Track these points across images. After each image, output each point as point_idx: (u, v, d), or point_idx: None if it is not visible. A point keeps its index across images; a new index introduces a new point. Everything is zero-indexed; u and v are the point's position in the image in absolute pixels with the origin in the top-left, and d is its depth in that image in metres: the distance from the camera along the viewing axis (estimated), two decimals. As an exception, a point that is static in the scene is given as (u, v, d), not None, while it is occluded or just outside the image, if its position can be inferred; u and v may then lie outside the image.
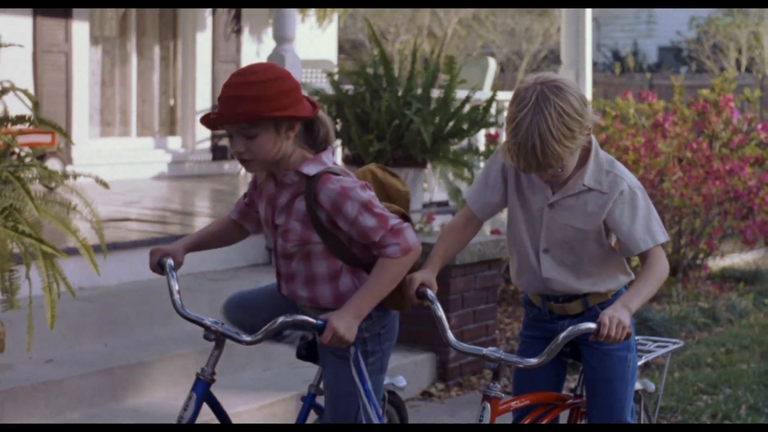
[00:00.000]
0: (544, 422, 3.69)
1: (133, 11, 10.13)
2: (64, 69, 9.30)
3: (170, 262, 3.55)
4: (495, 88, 8.32)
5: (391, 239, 3.39)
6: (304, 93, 7.14)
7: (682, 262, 9.35)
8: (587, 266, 3.60)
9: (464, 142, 6.92)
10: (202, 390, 3.43)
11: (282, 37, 7.17)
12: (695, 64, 34.58)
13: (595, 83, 10.38)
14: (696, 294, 8.74)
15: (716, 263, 10.07)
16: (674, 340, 4.28)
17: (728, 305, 8.33)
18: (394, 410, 4.15)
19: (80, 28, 9.43)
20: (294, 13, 7.16)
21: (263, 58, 11.06)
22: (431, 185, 7.81)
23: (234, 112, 3.31)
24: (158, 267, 3.58)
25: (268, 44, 11.13)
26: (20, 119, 4.20)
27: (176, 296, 3.45)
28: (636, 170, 8.84)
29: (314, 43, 11.43)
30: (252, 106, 3.30)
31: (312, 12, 10.99)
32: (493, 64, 9.09)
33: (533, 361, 3.33)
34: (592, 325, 3.28)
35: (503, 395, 3.41)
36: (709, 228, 9.07)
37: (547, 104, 3.26)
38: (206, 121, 3.44)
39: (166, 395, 5.39)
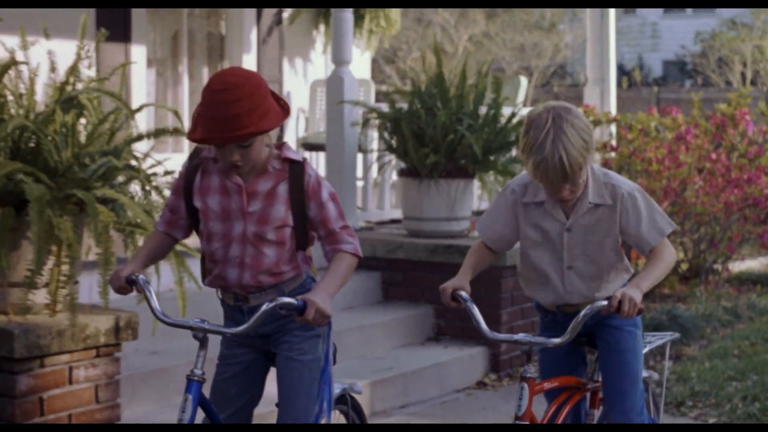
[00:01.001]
0: (570, 405, 4.04)
1: (184, 35, 10.78)
2: (125, 90, 9.92)
3: (143, 276, 3.61)
4: (527, 104, 8.97)
5: (349, 237, 3.69)
6: (361, 110, 7.74)
7: (703, 266, 9.98)
8: (606, 274, 3.94)
9: (510, 154, 7.55)
10: (197, 390, 3.53)
11: (341, 61, 7.83)
12: (701, 78, 35.17)
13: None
14: (717, 295, 9.37)
15: (734, 267, 10.69)
16: (671, 333, 4.64)
17: (749, 304, 8.96)
18: (355, 414, 4.32)
19: (138, 51, 10.06)
20: (351, 38, 7.81)
21: (303, 79, 11.75)
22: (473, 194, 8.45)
23: (235, 135, 3.45)
24: (127, 285, 3.63)
25: (307, 66, 11.79)
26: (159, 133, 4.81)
27: (156, 305, 3.54)
28: (660, 180, 9.47)
29: (357, 63, 12.08)
30: (247, 122, 3.44)
31: (361, 35, 11.60)
32: (524, 83, 9.73)
33: (557, 340, 3.67)
34: (603, 303, 3.62)
35: (537, 375, 3.80)
36: (729, 233, 9.70)
37: (563, 123, 3.64)
38: (196, 140, 3.56)
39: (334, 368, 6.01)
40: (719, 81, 33.25)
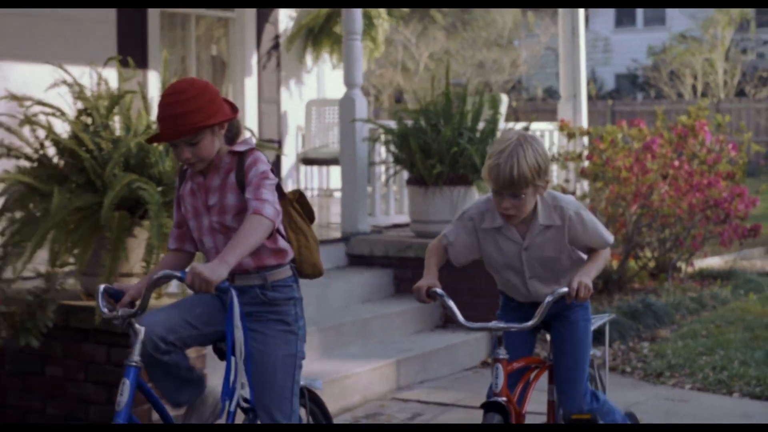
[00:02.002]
0: (536, 381, 4.58)
1: (192, 60, 11.74)
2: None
3: (101, 288, 3.99)
4: (508, 119, 10.02)
5: (254, 201, 3.92)
6: (369, 126, 8.67)
7: (669, 263, 11.05)
8: (562, 275, 4.48)
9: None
10: (135, 375, 3.91)
11: (352, 83, 8.85)
12: (654, 90, 36.44)
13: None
14: (683, 288, 10.45)
15: (697, 264, 11.78)
16: (608, 313, 5.21)
17: (712, 294, 10.04)
18: (318, 409, 4.62)
19: (153, 76, 11.02)
20: (360, 64, 8.83)
21: (299, 99, 12.74)
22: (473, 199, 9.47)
23: (178, 130, 3.88)
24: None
25: (301, 87, 12.77)
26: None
27: (102, 307, 3.96)
28: (629, 185, 10.53)
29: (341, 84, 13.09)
30: (191, 120, 3.87)
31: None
32: (505, 99, 10.76)
33: (530, 323, 4.24)
34: (565, 289, 4.21)
35: (508, 357, 4.27)
36: (693, 232, 10.79)
37: (526, 145, 4.21)
38: (154, 140, 4.05)
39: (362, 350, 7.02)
40: (671, 93, 34.51)
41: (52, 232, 5.18)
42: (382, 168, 9.16)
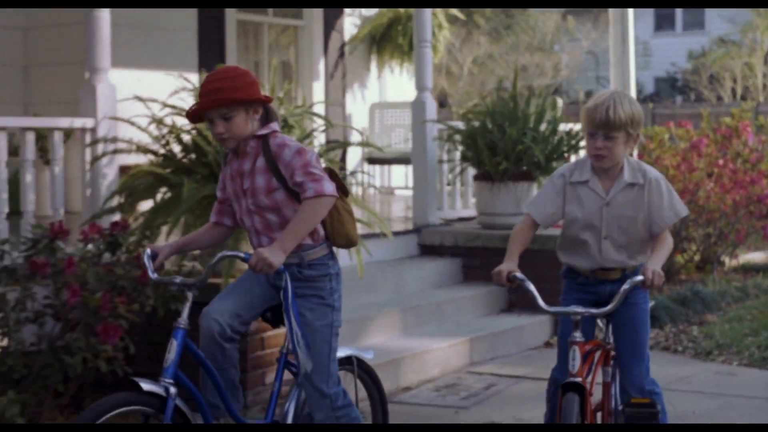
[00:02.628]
0: (600, 363, 4.79)
1: (264, 65, 12.53)
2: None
3: (148, 252, 4.47)
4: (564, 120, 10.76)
5: (311, 183, 4.27)
6: (438, 126, 9.37)
7: (713, 256, 11.74)
8: (635, 245, 4.69)
9: (564, 161, 9.30)
10: (182, 336, 4.28)
11: (423, 87, 9.59)
12: (693, 94, 36.97)
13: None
14: (728, 279, 11.13)
15: (740, 259, 12.45)
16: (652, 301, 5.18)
17: (755, 285, 10.72)
18: (368, 377, 5.04)
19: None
20: (431, 69, 9.57)
21: (362, 102, 13.51)
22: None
23: (215, 101, 4.26)
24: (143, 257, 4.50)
25: (364, 90, 13.54)
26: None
27: (151, 272, 4.43)
28: (676, 183, 11.22)
29: (402, 88, 13.86)
30: (228, 94, 4.26)
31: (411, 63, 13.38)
32: (560, 103, 11.49)
33: (607, 309, 4.45)
34: (641, 278, 4.38)
35: (583, 340, 4.48)
36: (737, 226, 11.46)
37: (623, 96, 4.57)
38: (192, 115, 4.40)
39: (384, 338, 7.77)
40: (711, 96, 35.03)
41: (183, 217, 5.96)
42: (446, 165, 9.90)
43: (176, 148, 6.44)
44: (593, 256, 4.74)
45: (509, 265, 4.54)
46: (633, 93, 12.49)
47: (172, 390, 4.16)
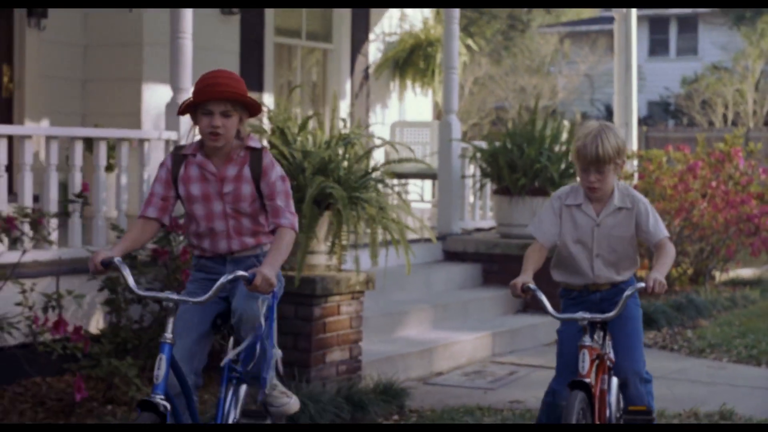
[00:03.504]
0: (602, 369, 5.00)
1: (296, 84, 13.60)
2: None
3: (118, 258, 4.36)
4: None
5: (288, 214, 4.61)
6: (463, 145, 10.44)
7: (705, 270, 12.84)
8: (623, 262, 5.12)
9: (576, 178, 10.38)
10: (169, 351, 4.25)
11: (449, 110, 10.68)
12: (686, 118, 38.10)
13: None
14: (718, 290, 12.23)
15: (728, 275, 13.56)
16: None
17: (743, 296, 11.84)
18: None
19: (267, 98, 12.86)
20: (456, 93, 10.66)
21: (383, 121, 14.59)
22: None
23: (225, 91, 4.45)
24: (103, 267, 4.37)
25: (386, 110, 14.62)
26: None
27: (132, 282, 4.32)
28: (673, 202, 12.30)
29: (418, 106, 14.97)
30: (236, 88, 4.49)
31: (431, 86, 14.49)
32: (567, 124, 12.59)
33: (613, 313, 4.83)
34: (643, 285, 4.78)
35: (592, 344, 4.82)
36: (728, 242, 12.57)
37: (607, 130, 4.94)
38: (190, 104, 4.54)
39: (417, 331, 8.84)
40: (703, 121, 36.17)
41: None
42: (470, 180, 11.00)
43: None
44: (585, 273, 5.16)
45: (524, 278, 4.94)
46: (634, 117, 13.60)
47: (166, 406, 4.18)
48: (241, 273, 4.34)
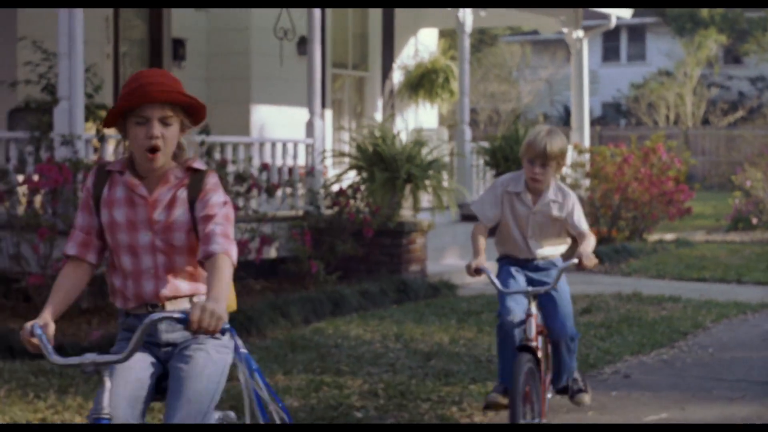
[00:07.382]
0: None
1: (345, 102, 18.74)
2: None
3: (38, 330, 3.56)
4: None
5: (222, 239, 3.66)
6: (471, 144, 15.88)
7: (636, 231, 18.18)
8: (552, 239, 5.84)
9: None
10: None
11: (462, 121, 15.96)
12: (634, 119, 43.05)
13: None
14: (646, 243, 17.60)
15: (654, 237, 18.89)
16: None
17: (662, 247, 17.23)
18: None
19: (327, 113, 17.95)
20: (468, 107, 15.93)
21: (404, 127, 19.81)
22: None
23: (167, 89, 3.61)
24: (33, 339, 3.57)
25: (406, 119, 19.83)
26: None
27: (52, 354, 3.51)
28: (614, 183, 17.58)
29: (428, 116, 20.23)
30: (178, 89, 3.66)
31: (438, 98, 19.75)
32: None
33: (550, 285, 5.55)
34: (575, 260, 5.45)
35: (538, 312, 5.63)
36: (653, 211, 17.92)
37: (554, 133, 5.55)
38: (115, 113, 3.65)
39: (451, 261, 14.12)
40: (649, 121, 40.93)
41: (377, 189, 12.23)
42: (474, 169, 16.30)
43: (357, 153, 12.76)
44: (522, 249, 5.84)
45: (476, 261, 5.58)
46: (586, 115, 18.92)
47: None
48: (169, 314, 3.51)
